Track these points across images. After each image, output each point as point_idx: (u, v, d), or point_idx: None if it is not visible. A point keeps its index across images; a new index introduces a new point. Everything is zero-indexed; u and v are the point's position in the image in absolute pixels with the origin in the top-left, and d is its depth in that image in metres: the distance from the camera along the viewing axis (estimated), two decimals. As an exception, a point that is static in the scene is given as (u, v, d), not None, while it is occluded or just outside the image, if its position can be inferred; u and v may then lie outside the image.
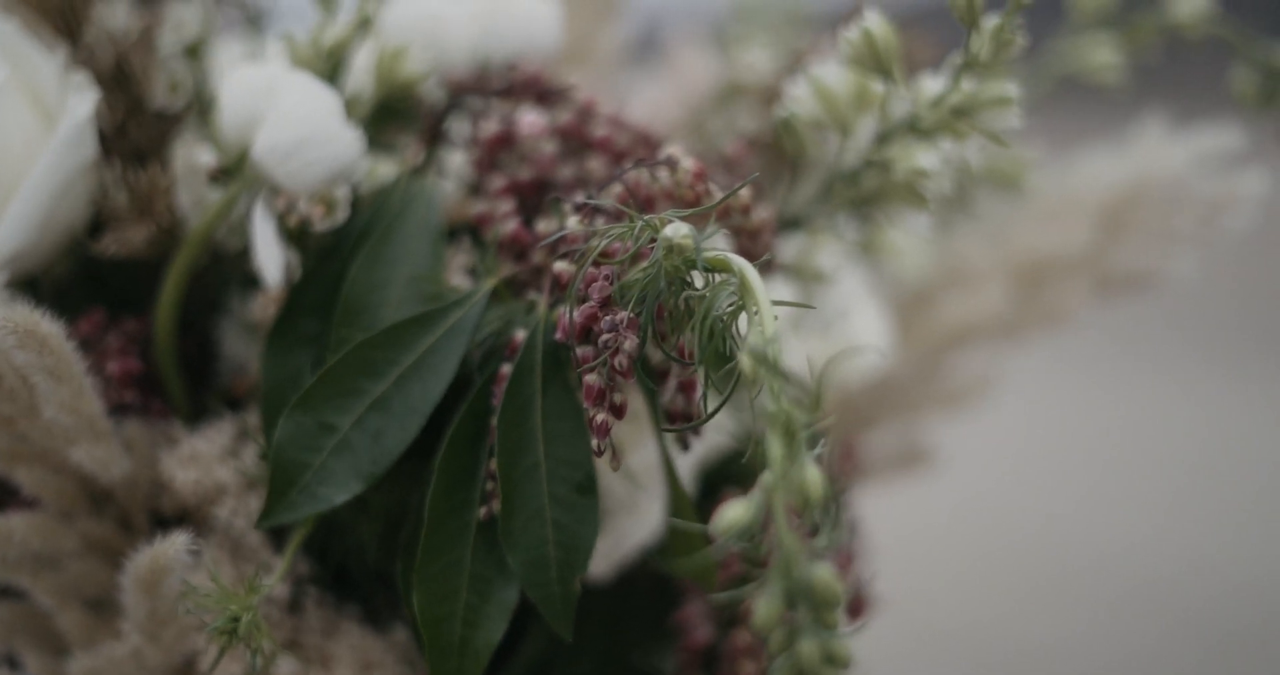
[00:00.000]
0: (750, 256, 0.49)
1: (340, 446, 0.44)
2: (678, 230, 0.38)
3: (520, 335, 0.45)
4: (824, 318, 0.60)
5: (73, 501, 0.47)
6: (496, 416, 0.43)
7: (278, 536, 0.50)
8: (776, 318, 0.38)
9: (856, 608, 0.54)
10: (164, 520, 0.50)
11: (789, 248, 0.57)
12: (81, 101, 0.48)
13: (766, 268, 0.50)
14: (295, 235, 0.49)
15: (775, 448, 0.33)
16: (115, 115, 0.51)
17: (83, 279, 0.53)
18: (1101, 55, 0.69)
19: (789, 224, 0.55)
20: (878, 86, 0.50)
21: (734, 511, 0.32)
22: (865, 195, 0.52)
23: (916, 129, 0.50)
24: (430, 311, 0.45)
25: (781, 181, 0.59)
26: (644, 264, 0.40)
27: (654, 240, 0.39)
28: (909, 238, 0.63)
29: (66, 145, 0.47)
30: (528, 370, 0.44)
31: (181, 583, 0.44)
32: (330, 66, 0.50)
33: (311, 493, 0.43)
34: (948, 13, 0.47)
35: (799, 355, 0.59)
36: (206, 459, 0.49)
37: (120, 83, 0.50)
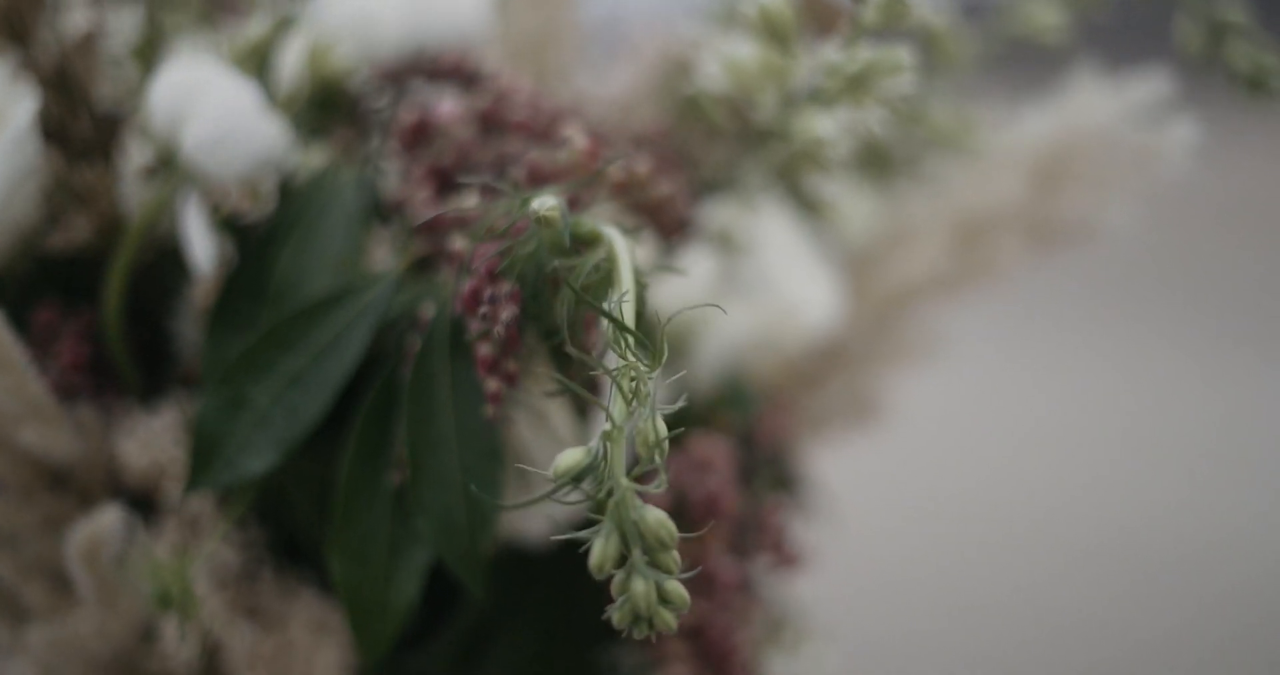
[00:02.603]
0: (661, 230, 0.52)
1: (259, 419, 0.46)
2: (544, 203, 0.40)
3: (429, 310, 0.47)
4: (763, 284, 0.61)
5: (30, 480, 0.51)
6: (406, 387, 0.46)
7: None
8: (645, 285, 0.40)
9: (788, 560, 0.56)
10: (127, 497, 0.53)
11: (719, 216, 0.59)
12: (24, 107, 0.51)
13: (681, 236, 0.52)
14: (227, 225, 0.51)
15: (618, 398, 0.35)
16: (60, 118, 0.53)
17: (45, 276, 0.56)
18: (1047, 17, 0.70)
19: (712, 190, 0.57)
20: (781, 58, 0.52)
21: (570, 457, 0.34)
22: (776, 164, 0.54)
23: (818, 98, 0.51)
24: (344, 291, 0.48)
25: (715, 150, 0.61)
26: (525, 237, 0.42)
27: (534, 215, 0.42)
28: (853, 200, 0.65)
29: (9, 150, 0.50)
30: (435, 343, 0.46)
31: (118, 554, 0.47)
32: (257, 64, 0.53)
33: (231, 463, 0.46)
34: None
35: (740, 322, 0.61)
36: (160, 438, 0.52)
37: (64, 86, 0.53)
